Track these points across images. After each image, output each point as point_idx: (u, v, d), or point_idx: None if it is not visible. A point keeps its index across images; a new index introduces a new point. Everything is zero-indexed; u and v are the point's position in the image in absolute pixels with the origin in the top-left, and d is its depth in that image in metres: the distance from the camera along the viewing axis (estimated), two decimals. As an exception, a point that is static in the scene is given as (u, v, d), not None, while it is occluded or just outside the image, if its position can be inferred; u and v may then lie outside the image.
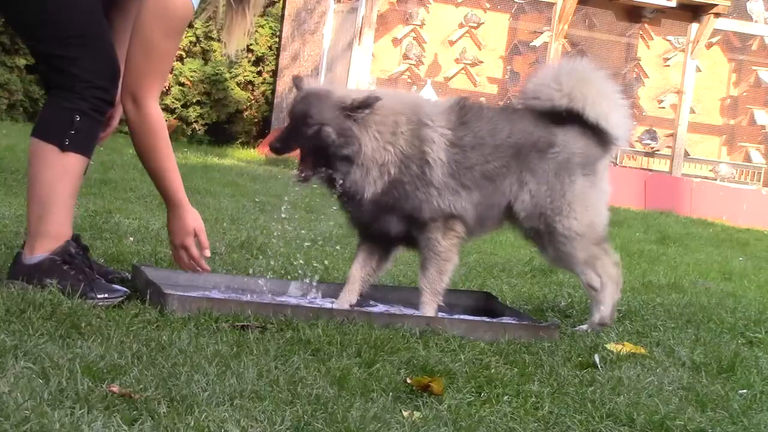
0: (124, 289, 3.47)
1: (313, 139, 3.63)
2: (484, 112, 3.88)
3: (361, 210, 3.74)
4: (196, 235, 3.61)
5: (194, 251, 3.62)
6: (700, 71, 15.78)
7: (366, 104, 3.65)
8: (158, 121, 3.49)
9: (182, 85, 16.59)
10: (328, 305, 3.80)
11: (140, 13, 3.42)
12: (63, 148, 3.39)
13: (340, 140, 3.62)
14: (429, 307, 3.74)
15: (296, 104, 3.72)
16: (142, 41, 3.41)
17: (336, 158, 3.65)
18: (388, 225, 3.75)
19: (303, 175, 3.68)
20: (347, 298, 3.85)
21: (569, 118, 3.87)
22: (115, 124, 3.77)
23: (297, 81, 3.80)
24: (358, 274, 3.88)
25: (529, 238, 3.99)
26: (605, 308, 3.84)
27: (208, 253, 3.66)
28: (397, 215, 3.72)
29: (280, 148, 3.73)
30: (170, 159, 3.54)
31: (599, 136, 3.90)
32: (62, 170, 3.41)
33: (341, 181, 3.68)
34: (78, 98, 3.40)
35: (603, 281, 3.88)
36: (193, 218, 3.59)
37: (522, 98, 4.10)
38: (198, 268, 3.68)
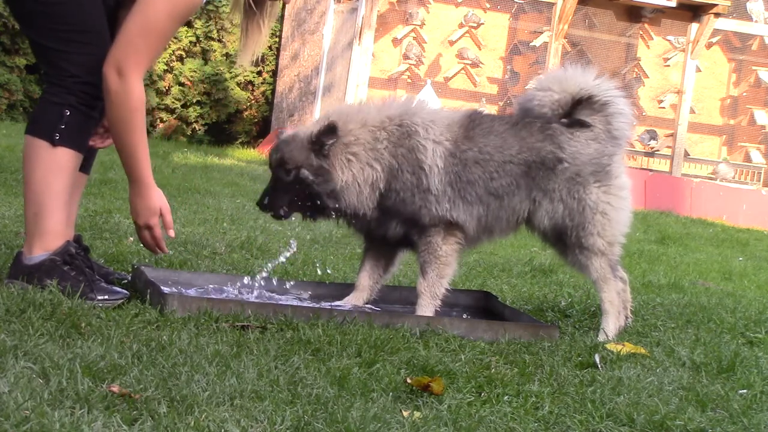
0: (125, 291, 3.46)
1: (295, 184, 3.66)
2: (495, 127, 3.81)
3: (361, 223, 3.78)
4: (161, 215, 3.56)
5: (158, 231, 3.56)
6: (700, 71, 15.79)
7: (326, 133, 3.64)
8: (140, 97, 3.43)
9: (182, 85, 16.59)
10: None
11: None
12: (54, 143, 3.39)
13: (318, 179, 3.64)
14: (427, 311, 3.73)
15: (272, 154, 3.75)
16: (143, 18, 3.38)
17: (322, 195, 3.67)
18: (390, 230, 3.76)
19: (282, 213, 3.70)
20: (353, 303, 3.86)
21: (578, 121, 3.84)
22: None
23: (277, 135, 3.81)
24: (366, 282, 3.91)
25: (548, 243, 3.98)
26: (603, 335, 3.80)
27: (172, 233, 3.62)
28: (397, 220, 3.73)
29: (271, 208, 3.71)
30: (143, 136, 3.48)
31: (609, 130, 3.86)
32: (55, 166, 3.40)
33: (334, 212, 3.71)
34: (66, 92, 3.40)
35: (605, 307, 3.85)
36: (158, 197, 3.53)
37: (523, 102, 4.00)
38: (158, 250, 3.62)
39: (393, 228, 3.75)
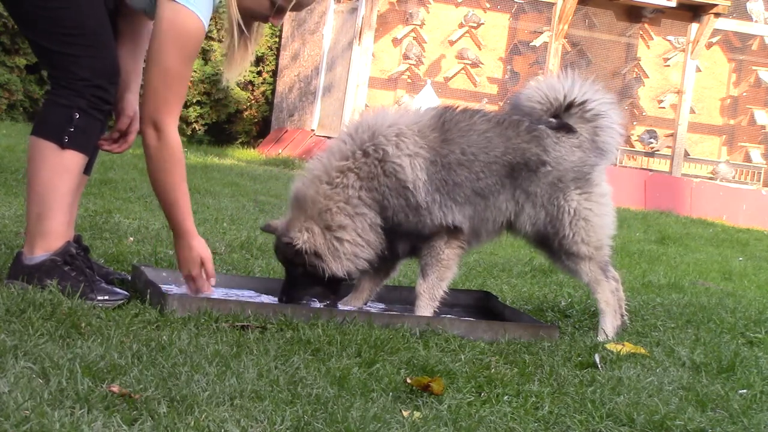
0: (125, 292, 3.46)
1: (306, 276, 3.70)
2: (476, 125, 3.76)
3: (379, 258, 3.80)
4: (202, 264, 3.58)
5: (201, 283, 3.57)
6: (700, 71, 15.80)
7: (302, 254, 3.65)
8: (178, 148, 3.47)
9: (182, 85, 16.57)
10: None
11: (154, 39, 3.41)
12: (62, 146, 3.39)
13: (325, 273, 3.67)
14: (425, 312, 3.74)
15: (276, 252, 3.78)
16: (159, 68, 3.39)
17: (338, 280, 3.73)
18: (400, 250, 3.79)
19: (328, 304, 3.78)
20: (353, 304, 3.87)
21: (567, 127, 3.82)
22: (132, 139, 3.71)
23: (266, 227, 3.83)
24: (367, 284, 3.92)
25: (536, 248, 3.99)
26: (603, 335, 3.80)
27: (213, 281, 3.63)
28: (401, 239, 3.75)
29: (290, 301, 3.75)
30: (184, 186, 3.51)
31: (595, 141, 3.84)
32: (61, 168, 3.41)
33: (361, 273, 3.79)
34: (76, 96, 3.40)
35: (601, 307, 3.85)
36: (199, 247, 3.55)
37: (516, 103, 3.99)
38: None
39: (401, 247, 3.78)
